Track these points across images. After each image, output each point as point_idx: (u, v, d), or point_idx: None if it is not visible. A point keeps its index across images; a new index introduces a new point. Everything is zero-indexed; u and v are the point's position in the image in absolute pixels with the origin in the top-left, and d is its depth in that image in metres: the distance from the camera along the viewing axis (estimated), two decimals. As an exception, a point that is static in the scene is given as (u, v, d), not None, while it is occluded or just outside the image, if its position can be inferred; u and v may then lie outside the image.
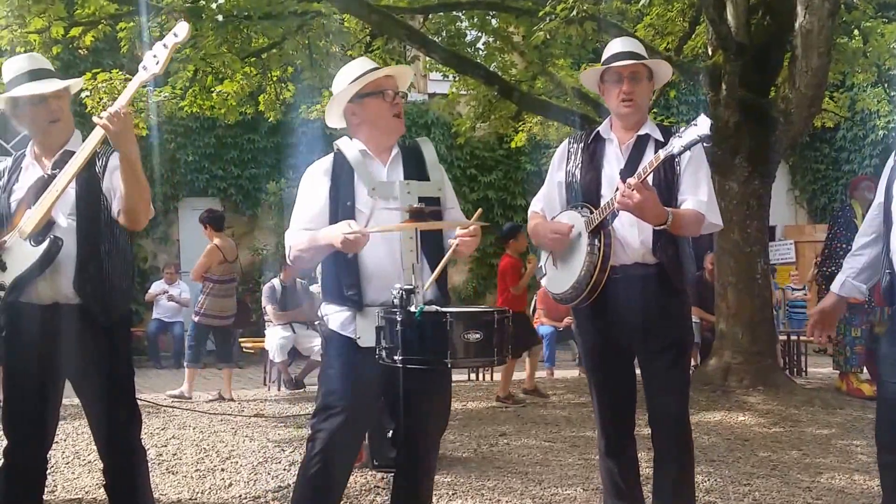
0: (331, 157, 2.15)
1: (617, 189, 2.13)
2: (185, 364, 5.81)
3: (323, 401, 2.05)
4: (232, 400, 5.72)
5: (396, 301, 1.84)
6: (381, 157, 2.13)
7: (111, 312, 2.19)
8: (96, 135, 2.07)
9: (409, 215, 1.91)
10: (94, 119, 2.05)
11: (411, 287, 1.86)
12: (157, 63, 2.06)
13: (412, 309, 1.82)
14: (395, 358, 1.82)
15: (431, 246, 2.06)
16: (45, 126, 2.21)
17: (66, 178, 2.10)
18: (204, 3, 5.43)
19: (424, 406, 2.05)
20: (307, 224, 2.08)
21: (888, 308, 2.13)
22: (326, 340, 2.13)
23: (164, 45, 2.06)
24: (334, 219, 2.03)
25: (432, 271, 2.06)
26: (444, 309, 1.86)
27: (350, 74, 2.14)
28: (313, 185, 2.12)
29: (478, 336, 1.81)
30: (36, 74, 2.19)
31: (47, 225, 2.13)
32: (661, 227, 2.14)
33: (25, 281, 2.13)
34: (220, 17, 5.46)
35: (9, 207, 2.21)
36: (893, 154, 2.14)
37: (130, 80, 6.66)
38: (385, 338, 1.85)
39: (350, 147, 2.13)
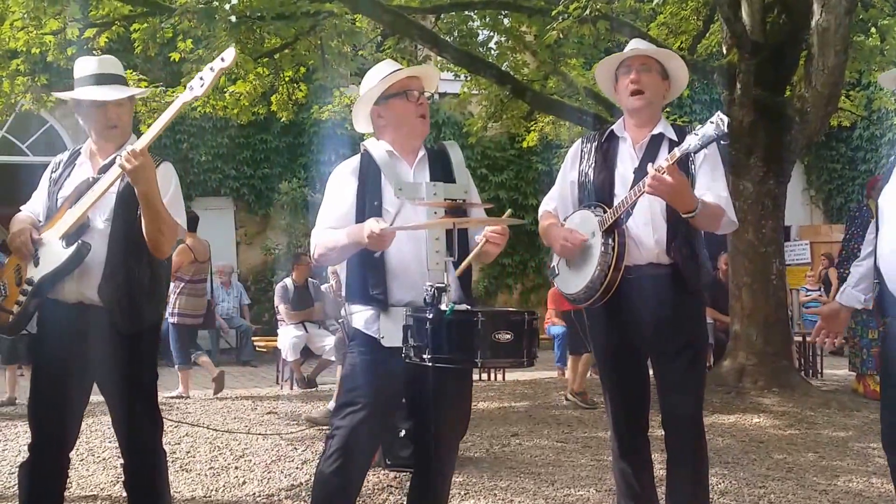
0: (358, 157, 2.16)
1: (640, 177, 2.10)
2: (176, 368, 5.84)
3: (344, 398, 2.06)
4: (188, 397, 5.74)
5: (427, 298, 1.85)
6: (408, 158, 2.14)
7: (133, 321, 2.19)
8: (117, 165, 2.09)
9: (446, 211, 1.92)
10: (117, 161, 2.07)
11: (443, 285, 1.87)
12: (203, 86, 2.09)
13: (443, 307, 1.82)
14: (424, 356, 1.82)
15: (458, 247, 2.06)
16: (102, 131, 2.25)
17: (105, 185, 2.13)
18: (217, 4, 5.45)
19: (447, 408, 2.05)
20: (334, 223, 2.08)
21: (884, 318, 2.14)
22: (350, 339, 2.14)
23: (211, 69, 2.08)
24: (361, 218, 2.03)
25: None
26: (476, 308, 1.87)
27: (375, 77, 2.16)
28: (340, 184, 2.13)
29: (508, 337, 1.81)
30: (100, 79, 2.23)
31: (81, 227, 2.15)
32: (690, 215, 2.10)
33: (51, 281, 2.15)
34: (233, 18, 5.48)
35: (56, 203, 2.25)
36: (890, 163, 2.16)
37: (144, 80, 6.68)
38: (413, 336, 1.85)
39: (377, 147, 2.14)
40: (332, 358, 6.07)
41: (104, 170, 2.20)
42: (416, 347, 1.84)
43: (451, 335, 1.81)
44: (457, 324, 1.81)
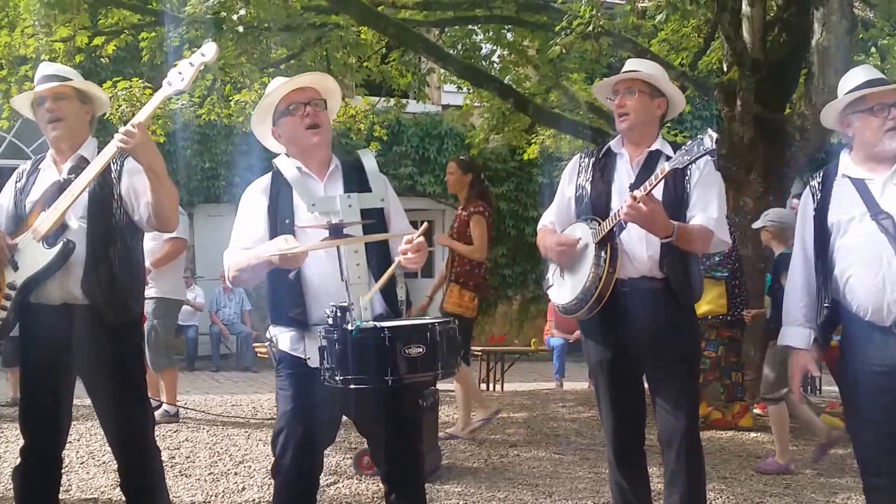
0: (269, 175, 2.14)
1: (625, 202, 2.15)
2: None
3: (278, 424, 2.03)
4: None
5: (330, 320, 1.80)
6: (319, 173, 2.11)
7: (119, 313, 2.23)
8: (113, 145, 2.11)
9: (329, 232, 1.85)
10: (115, 138, 2.07)
11: (346, 304, 1.82)
12: (183, 80, 2.09)
13: (348, 327, 1.78)
14: (337, 378, 1.78)
15: (378, 259, 2.01)
16: (45, 126, 2.27)
17: (82, 186, 2.15)
18: (225, 14, 5.52)
19: (389, 422, 2.01)
20: (246, 243, 2.04)
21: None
22: (277, 361, 2.09)
23: (191, 64, 2.09)
24: (273, 237, 2.00)
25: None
26: (382, 324, 1.81)
27: (264, 97, 2.14)
28: (252, 204, 2.11)
29: (420, 350, 1.75)
30: (46, 79, 2.27)
31: (60, 228, 2.17)
32: (667, 240, 2.15)
33: (37, 282, 2.17)
34: (240, 29, 5.55)
35: (24, 209, 2.26)
36: (814, 187, 2.16)
37: (149, 87, 6.76)
38: (326, 358, 1.81)
39: (287, 164, 2.11)
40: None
41: (73, 171, 2.23)
42: (330, 369, 1.80)
43: (359, 354, 1.75)
44: (364, 342, 1.75)
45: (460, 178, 4.46)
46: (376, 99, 7.77)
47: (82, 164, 2.21)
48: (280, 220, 2.04)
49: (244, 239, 2.07)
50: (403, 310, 2.22)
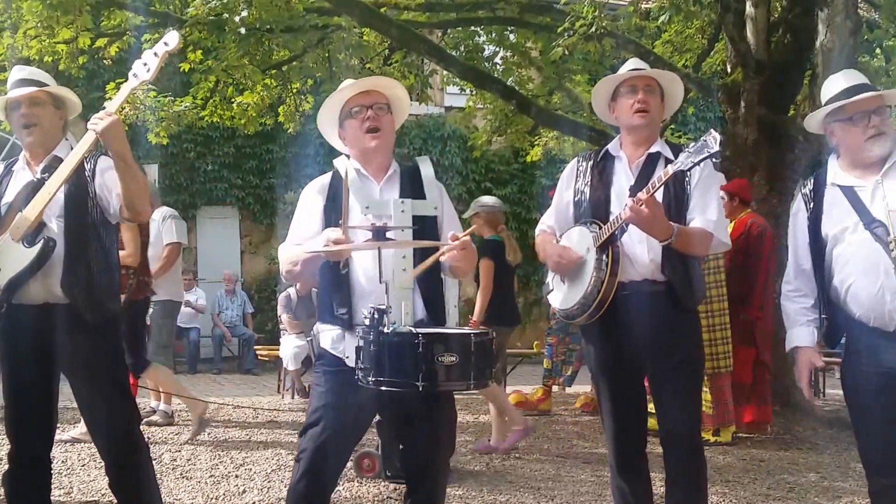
0: (329, 174, 2.16)
1: (635, 195, 2.13)
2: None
3: (309, 418, 2.04)
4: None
5: (367, 321, 1.82)
6: (376, 176, 2.12)
7: (98, 311, 2.23)
8: (86, 141, 2.13)
9: (372, 234, 1.85)
10: (88, 125, 2.09)
11: (383, 307, 1.83)
12: (148, 71, 2.11)
13: (385, 329, 1.79)
14: (370, 379, 1.80)
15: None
16: (20, 130, 2.28)
17: (57, 182, 2.16)
18: (227, 16, 5.53)
19: (424, 426, 2.03)
20: (300, 240, 2.08)
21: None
22: (317, 357, 2.13)
23: (155, 54, 2.10)
24: None
25: (422, 291, 2.03)
26: (419, 329, 1.82)
27: (329, 101, 2.15)
28: (308, 202, 2.14)
29: (453, 359, 1.76)
30: (20, 83, 2.28)
31: (38, 227, 2.18)
32: (667, 242, 2.14)
33: (20, 282, 2.17)
34: (242, 30, 5.55)
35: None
36: (804, 196, 2.17)
37: (153, 89, 6.77)
38: (361, 358, 1.83)
39: (345, 166, 2.12)
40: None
41: (46, 171, 2.23)
42: (364, 369, 1.82)
43: (392, 357, 1.77)
44: (398, 346, 1.76)
45: None
46: (379, 101, 7.77)
47: (55, 163, 2.22)
48: (335, 219, 2.05)
49: (299, 235, 2.10)
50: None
